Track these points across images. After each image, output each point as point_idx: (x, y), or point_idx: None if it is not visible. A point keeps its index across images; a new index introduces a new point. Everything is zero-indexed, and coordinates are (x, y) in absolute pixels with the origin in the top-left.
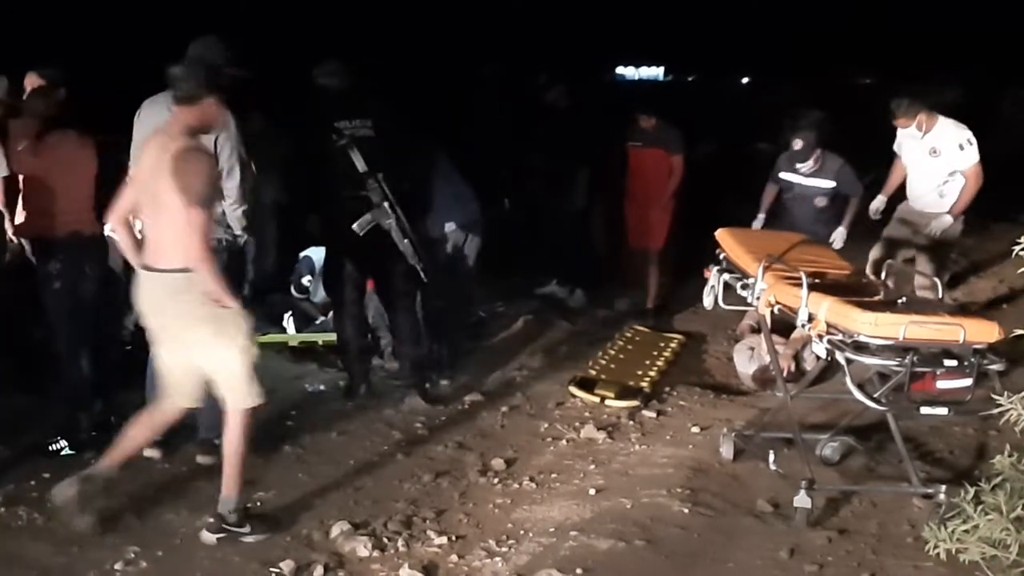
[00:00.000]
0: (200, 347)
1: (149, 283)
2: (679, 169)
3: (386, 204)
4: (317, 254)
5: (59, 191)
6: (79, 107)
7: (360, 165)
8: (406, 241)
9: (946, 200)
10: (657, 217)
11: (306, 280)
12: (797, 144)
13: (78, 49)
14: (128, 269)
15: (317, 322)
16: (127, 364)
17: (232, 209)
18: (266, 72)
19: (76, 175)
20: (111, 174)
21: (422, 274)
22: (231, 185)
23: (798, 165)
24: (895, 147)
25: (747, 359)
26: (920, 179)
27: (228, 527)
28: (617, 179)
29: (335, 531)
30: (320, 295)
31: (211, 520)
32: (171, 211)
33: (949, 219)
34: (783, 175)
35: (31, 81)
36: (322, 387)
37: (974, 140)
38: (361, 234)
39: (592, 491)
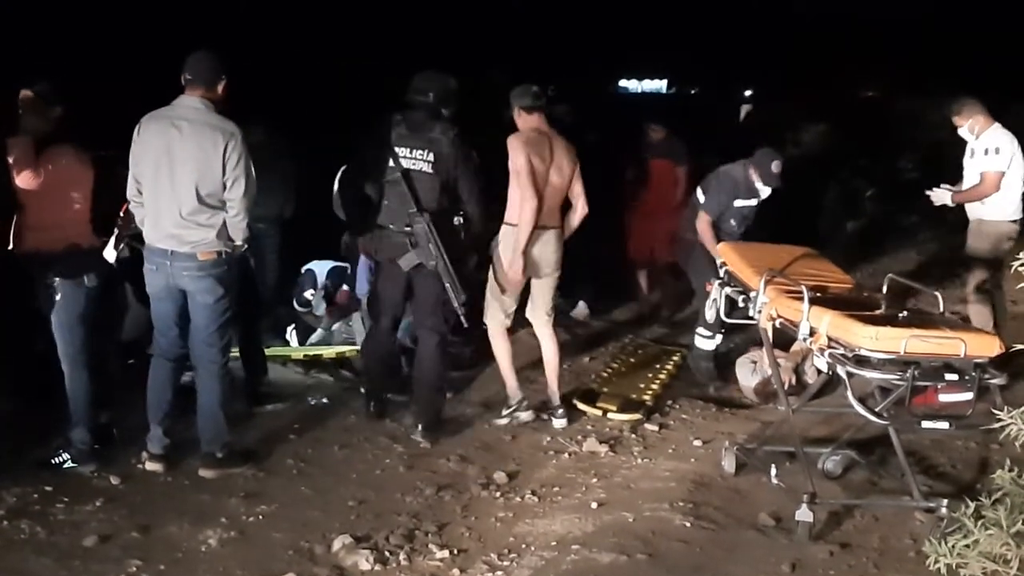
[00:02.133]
0: (550, 278)
1: (545, 237)
2: (684, 180)
3: (431, 246)
4: (320, 267)
5: (57, 206)
6: (75, 122)
7: (409, 202)
8: (448, 285)
9: (987, 206)
10: (664, 228)
11: (308, 294)
12: (776, 167)
13: (73, 64)
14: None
15: (316, 335)
16: (128, 377)
17: (236, 220)
18: (268, 84)
19: (74, 190)
20: (108, 188)
21: (463, 319)
22: (235, 196)
23: (764, 186)
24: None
25: (749, 372)
26: (968, 183)
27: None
28: (620, 192)
29: (337, 544)
30: (322, 308)
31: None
32: (556, 187)
33: (947, 196)
34: (740, 203)
35: (26, 98)
36: (325, 400)
37: (1005, 150)
38: (406, 270)
39: (594, 505)
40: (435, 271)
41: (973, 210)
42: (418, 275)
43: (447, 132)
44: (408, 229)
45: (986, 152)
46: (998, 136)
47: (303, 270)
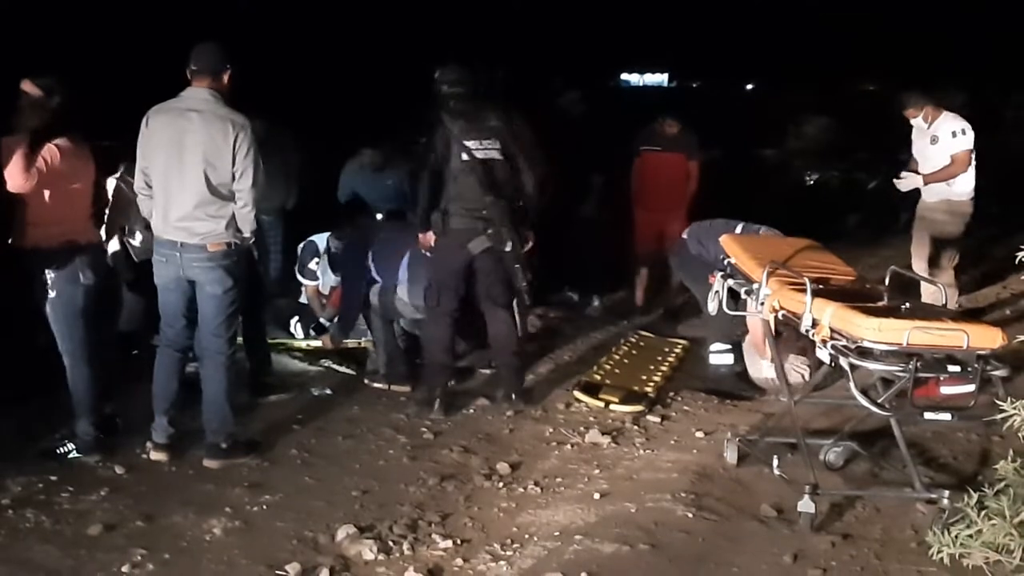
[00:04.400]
0: None
1: None
2: (696, 174)
3: (504, 230)
4: (319, 237)
5: (57, 201)
6: (75, 113)
7: (484, 190)
8: (517, 266)
9: (955, 187)
10: (675, 222)
11: (313, 264)
12: None
13: (76, 56)
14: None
15: (321, 321)
16: (132, 367)
17: (244, 212)
18: (271, 78)
19: (74, 185)
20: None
21: (527, 297)
22: (243, 187)
23: None
24: (913, 149)
25: (764, 364)
26: (928, 169)
27: None
28: (625, 185)
29: (341, 534)
30: (329, 280)
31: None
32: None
33: (919, 179)
34: None
35: (26, 89)
36: (329, 391)
37: (969, 131)
38: (475, 253)
39: (597, 495)
40: (504, 253)
41: (939, 191)
42: (480, 256)
43: (501, 117)
44: (485, 214)
45: (954, 135)
46: (958, 120)
47: (302, 244)
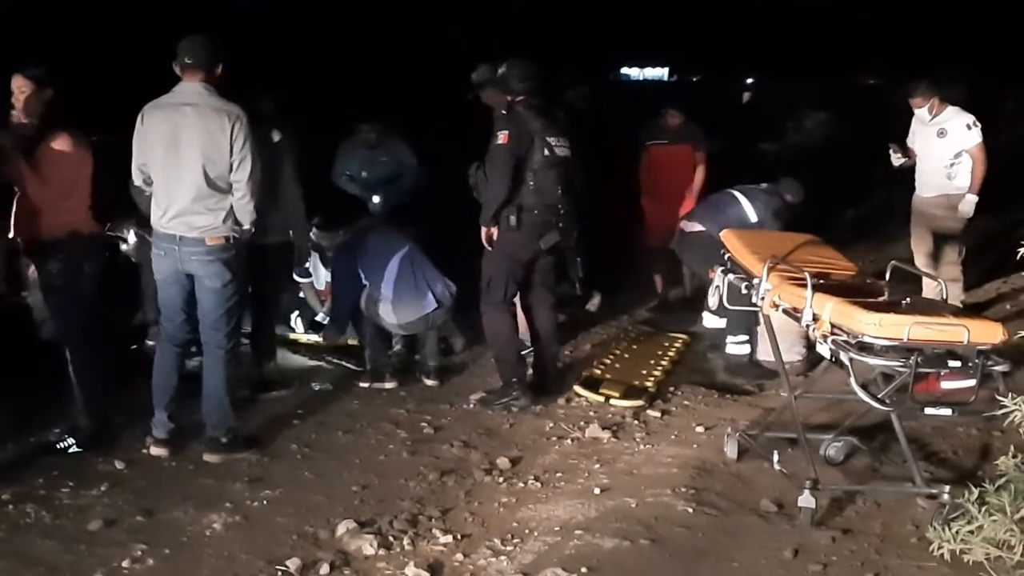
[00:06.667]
0: None
1: None
2: (703, 165)
3: (572, 223)
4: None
5: (57, 193)
6: (69, 106)
7: (559, 186)
8: (579, 259)
9: (956, 181)
10: (683, 213)
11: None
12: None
13: (69, 49)
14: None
15: (318, 318)
16: (131, 362)
17: (243, 203)
18: (271, 72)
19: (73, 176)
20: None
21: (578, 289)
22: (240, 177)
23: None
24: (908, 140)
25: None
26: (929, 161)
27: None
28: (629, 180)
29: (341, 529)
30: (322, 275)
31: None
32: None
33: (973, 198)
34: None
35: (18, 82)
36: (329, 386)
37: (978, 124)
38: (545, 249)
39: (597, 490)
40: (569, 247)
41: (938, 186)
42: (548, 250)
43: (564, 115)
44: (560, 210)
45: (968, 127)
46: (965, 114)
47: None
